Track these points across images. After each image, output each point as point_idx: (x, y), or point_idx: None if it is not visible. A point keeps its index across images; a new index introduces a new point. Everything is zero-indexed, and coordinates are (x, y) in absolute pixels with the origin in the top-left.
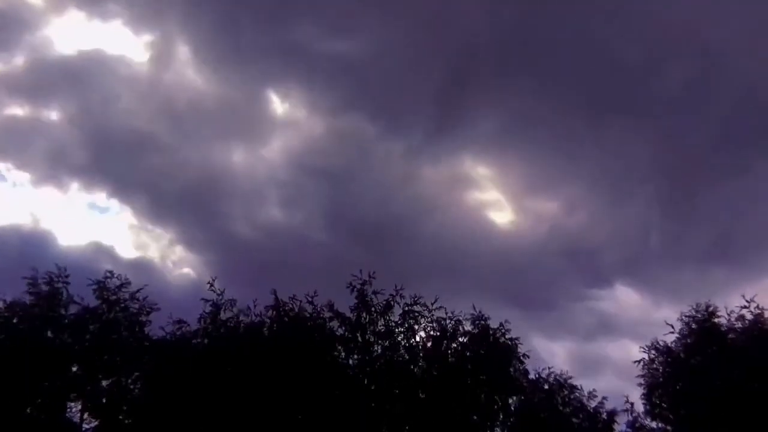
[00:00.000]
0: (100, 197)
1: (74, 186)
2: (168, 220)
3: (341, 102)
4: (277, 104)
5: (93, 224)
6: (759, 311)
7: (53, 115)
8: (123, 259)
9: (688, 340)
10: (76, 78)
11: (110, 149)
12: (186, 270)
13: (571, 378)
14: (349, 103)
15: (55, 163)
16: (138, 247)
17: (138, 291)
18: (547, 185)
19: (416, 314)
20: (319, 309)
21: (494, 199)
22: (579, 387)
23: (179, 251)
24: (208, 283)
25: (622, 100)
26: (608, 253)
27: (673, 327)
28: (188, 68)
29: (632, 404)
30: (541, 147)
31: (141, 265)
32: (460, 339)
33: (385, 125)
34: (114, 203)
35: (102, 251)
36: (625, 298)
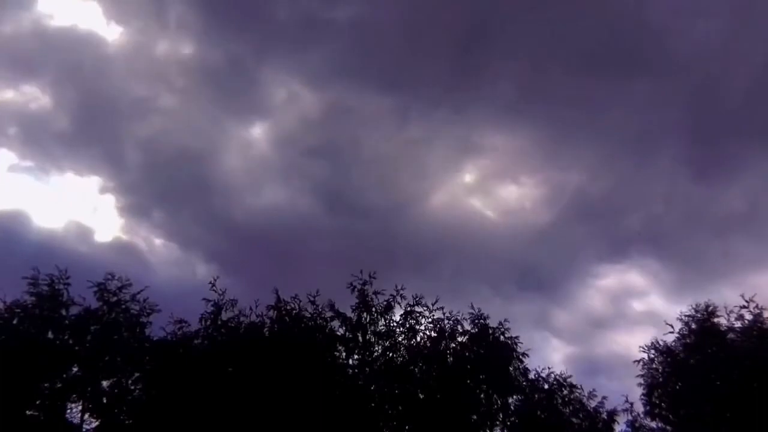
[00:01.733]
0: (80, 178)
1: (53, 166)
2: (153, 201)
3: (341, 71)
4: (273, 76)
5: (71, 205)
6: (758, 311)
7: (33, 90)
8: (102, 242)
9: (688, 340)
10: (57, 52)
11: (95, 123)
12: (169, 254)
13: (570, 377)
14: (350, 72)
15: (33, 141)
16: (118, 229)
17: (139, 292)
18: (565, 153)
19: (417, 315)
20: (320, 309)
21: (506, 169)
22: (579, 386)
23: (162, 234)
24: (210, 283)
25: (646, 58)
26: (629, 223)
27: (672, 327)
28: (179, 37)
29: (632, 404)
30: (558, 112)
31: (121, 248)
32: (459, 339)
33: (392, 95)
34: (95, 181)
35: (80, 233)
36: (645, 270)
